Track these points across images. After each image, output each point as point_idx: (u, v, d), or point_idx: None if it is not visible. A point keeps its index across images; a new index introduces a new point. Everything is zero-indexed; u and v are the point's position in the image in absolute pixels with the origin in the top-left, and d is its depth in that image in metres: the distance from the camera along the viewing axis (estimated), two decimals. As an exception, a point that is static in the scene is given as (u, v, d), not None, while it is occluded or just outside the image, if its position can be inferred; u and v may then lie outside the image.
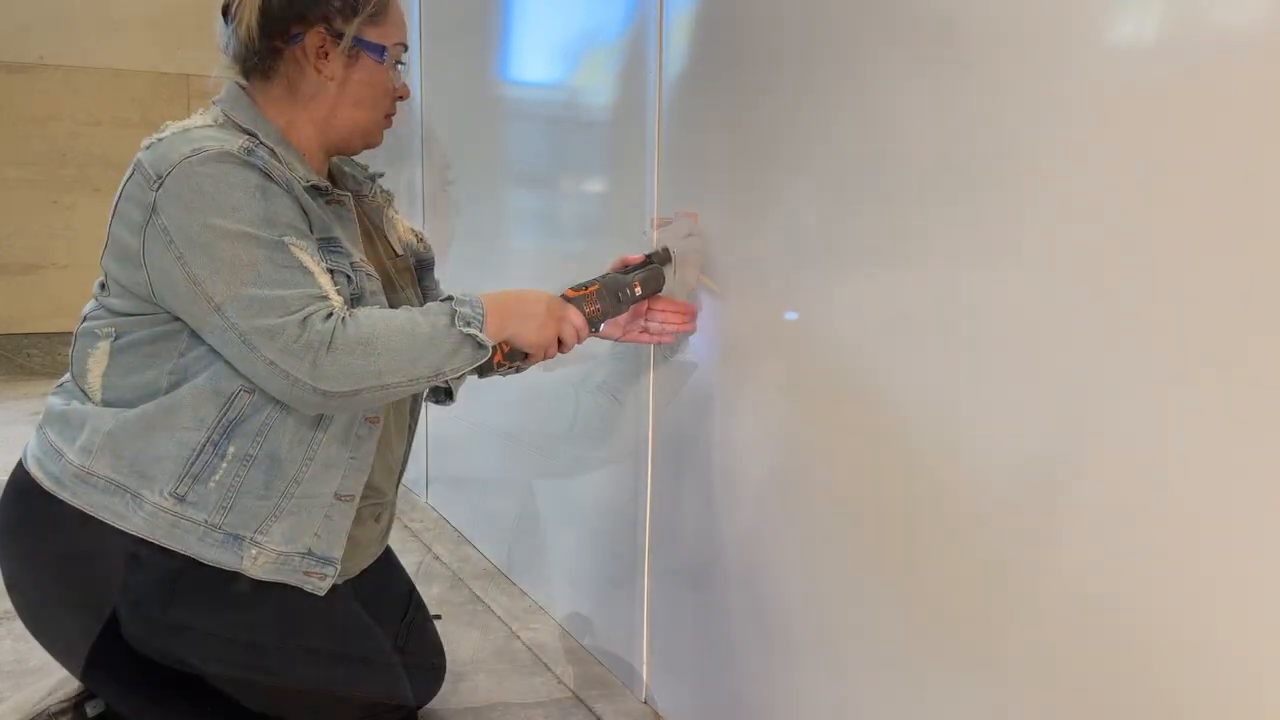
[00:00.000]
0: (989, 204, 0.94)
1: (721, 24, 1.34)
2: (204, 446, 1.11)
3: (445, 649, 1.57)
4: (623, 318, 1.40)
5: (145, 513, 1.10)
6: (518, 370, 1.38)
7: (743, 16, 1.29)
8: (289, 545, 1.16)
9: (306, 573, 1.18)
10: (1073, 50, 0.86)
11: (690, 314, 1.41)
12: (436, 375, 1.11)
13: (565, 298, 1.28)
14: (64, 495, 1.11)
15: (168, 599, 1.13)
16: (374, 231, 1.36)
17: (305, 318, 1.04)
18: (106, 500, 1.10)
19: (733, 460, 1.37)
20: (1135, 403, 0.82)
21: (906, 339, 1.05)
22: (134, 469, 1.11)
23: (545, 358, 1.26)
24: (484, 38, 2.17)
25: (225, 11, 1.21)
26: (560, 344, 1.26)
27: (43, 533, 1.15)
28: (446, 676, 1.57)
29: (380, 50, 1.23)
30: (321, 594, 1.20)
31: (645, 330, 1.41)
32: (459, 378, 1.18)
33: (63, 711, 1.26)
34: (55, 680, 1.29)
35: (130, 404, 1.13)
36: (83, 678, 1.22)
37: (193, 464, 1.11)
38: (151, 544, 1.11)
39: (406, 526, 2.51)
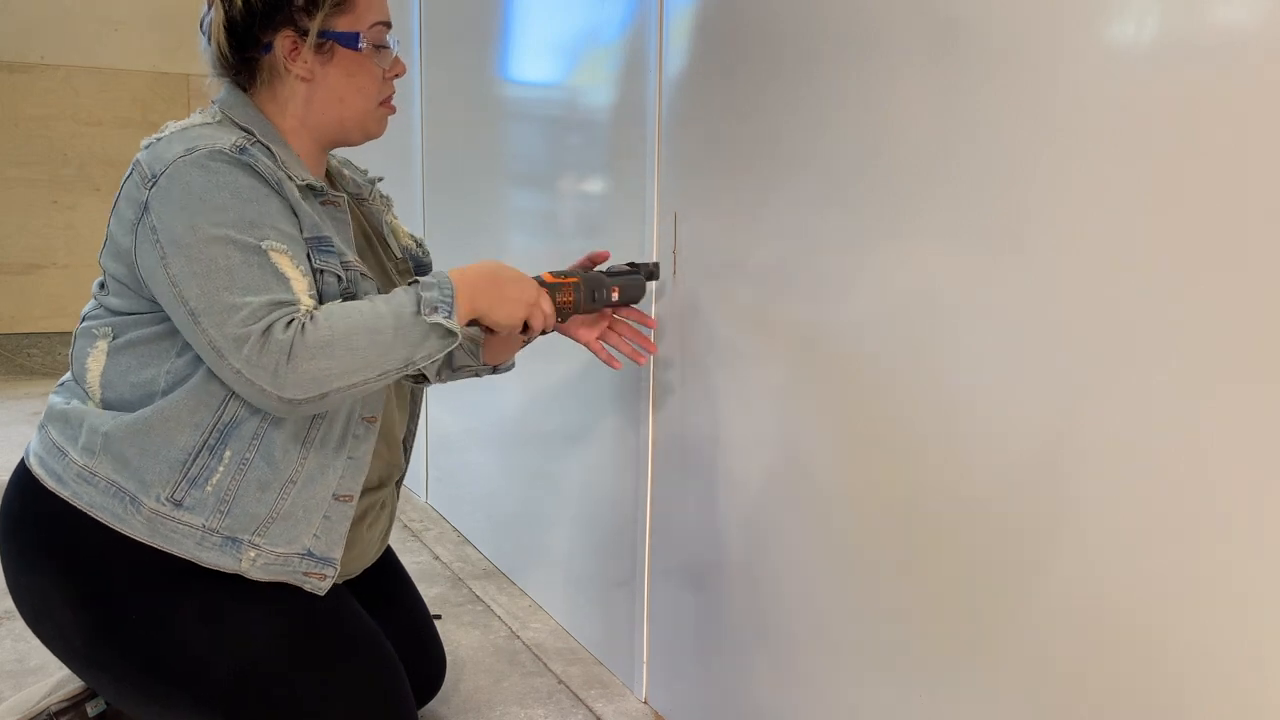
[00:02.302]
0: (988, 203, 0.95)
1: (721, 24, 1.34)
2: (200, 450, 1.12)
3: (445, 649, 1.57)
4: (581, 318, 1.38)
5: (143, 516, 1.11)
6: (489, 370, 1.40)
7: (743, 16, 1.29)
8: (287, 546, 1.16)
9: (306, 573, 1.18)
10: (1071, 49, 0.86)
11: (645, 345, 1.42)
12: (406, 366, 1.10)
13: (542, 280, 1.27)
14: (65, 494, 1.12)
15: (166, 597, 1.13)
16: (373, 235, 1.36)
17: (267, 327, 1.04)
18: (106, 501, 1.11)
19: (733, 460, 1.37)
20: (1136, 401, 0.82)
21: (907, 338, 1.05)
22: (132, 473, 1.11)
23: (507, 337, 1.26)
24: (484, 38, 2.17)
25: (201, 27, 1.22)
26: (526, 328, 1.24)
27: (43, 530, 1.15)
28: (446, 676, 1.57)
29: (354, 38, 1.21)
30: (322, 594, 1.20)
31: (601, 341, 1.40)
32: (431, 364, 1.15)
33: (63, 711, 1.26)
34: (55, 680, 1.29)
35: (130, 404, 1.13)
36: (83, 676, 1.22)
37: (189, 468, 1.11)
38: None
39: (406, 526, 2.51)
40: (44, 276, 4.43)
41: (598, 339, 1.40)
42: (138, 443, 1.11)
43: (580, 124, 1.79)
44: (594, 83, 1.74)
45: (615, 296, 1.36)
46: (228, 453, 1.12)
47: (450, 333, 1.11)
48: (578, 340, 1.40)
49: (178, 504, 1.11)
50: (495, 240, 2.13)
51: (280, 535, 1.15)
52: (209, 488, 1.12)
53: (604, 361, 1.41)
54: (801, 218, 1.20)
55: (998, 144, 0.93)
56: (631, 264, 1.41)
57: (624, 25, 1.60)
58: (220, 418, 1.12)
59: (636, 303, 1.41)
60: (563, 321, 1.32)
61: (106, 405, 1.15)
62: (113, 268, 1.16)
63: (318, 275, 1.13)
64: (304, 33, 1.18)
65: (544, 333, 1.28)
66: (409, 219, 2.27)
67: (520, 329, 1.23)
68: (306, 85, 1.21)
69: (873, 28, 1.08)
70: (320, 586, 1.19)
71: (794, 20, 1.19)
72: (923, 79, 1.01)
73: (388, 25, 1.25)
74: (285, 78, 1.20)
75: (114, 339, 1.15)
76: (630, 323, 1.43)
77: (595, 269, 1.37)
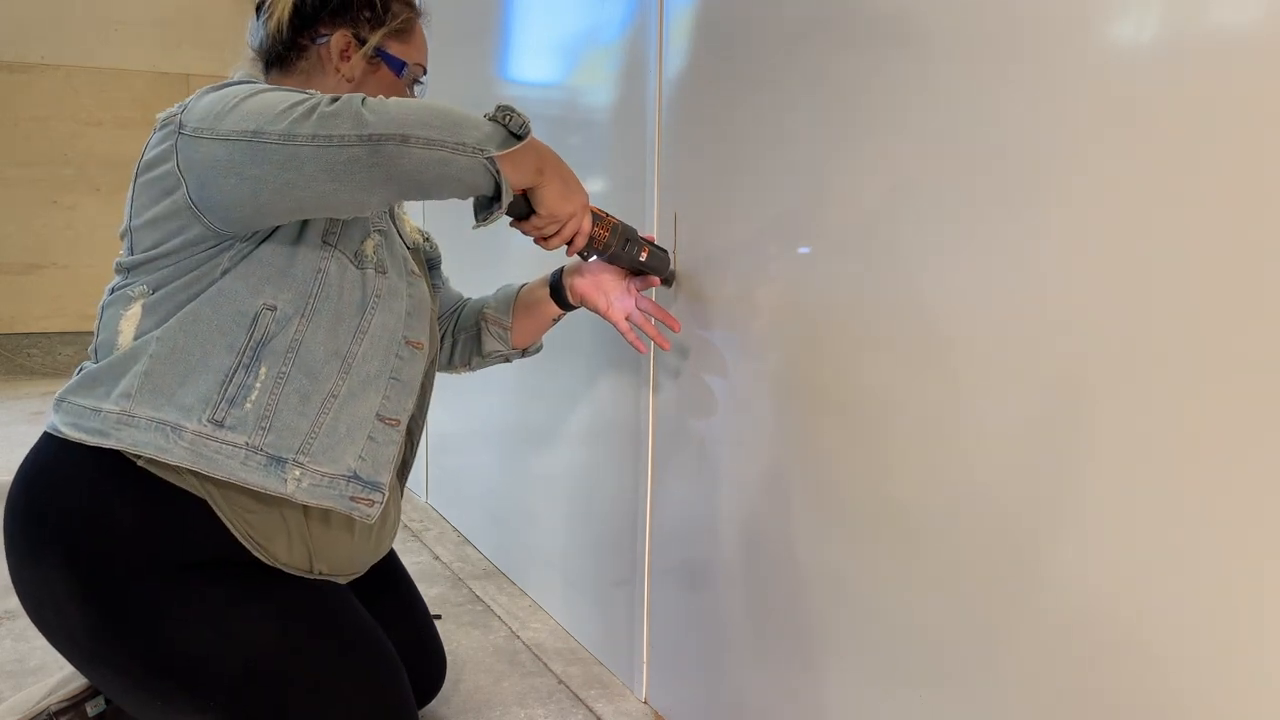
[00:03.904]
0: (990, 201, 0.95)
1: (721, 24, 1.34)
2: (235, 370, 1.13)
3: (445, 649, 1.57)
4: (613, 291, 1.40)
5: (186, 442, 1.11)
6: (519, 354, 1.38)
7: (742, 17, 1.29)
8: (332, 466, 1.16)
9: (354, 498, 1.18)
10: (1075, 49, 0.86)
11: (669, 323, 1.42)
12: (478, 150, 1.07)
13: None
14: (109, 443, 1.11)
15: (168, 595, 1.13)
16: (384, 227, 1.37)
17: (334, 98, 1.05)
18: (149, 437, 1.11)
19: (733, 459, 1.37)
20: (1137, 400, 0.82)
21: (909, 337, 1.05)
22: (172, 404, 1.12)
23: (537, 235, 1.23)
24: (484, 38, 2.17)
25: (259, 8, 1.28)
26: (559, 232, 1.23)
27: (49, 524, 1.14)
28: (446, 676, 1.57)
29: (400, 65, 1.28)
30: (371, 522, 1.21)
31: (628, 318, 1.41)
32: (489, 216, 1.14)
33: (63, 711, 1.26)
34: (55, 680, 1.29)
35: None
36: (84, 671, 1.22)
37: (227, 388, 1.12)
38: (165, 531, 1.12)
39: (406, 526, 2.51)
40: (44, 276, 4.43)
41: (625, 319, 1.41)
42: (177, 370, 1.12)
43: (580, 124, 1.79)
44: (594, 83, 1.74)
45: (643, 257, 1.35)
46: (263, 369, 1.13)
47: (517, 136, 1.10)
48: (606, 318, 1.42)
49: (219, 424, 1.12)
50: (496, 240, 2.13)
51: (324, 453, 1.16)
52: (248, 405, 1.12)
53: (630, 343, 1.42)
54: (802, 218, 1.20)
55: (999, 142, 0.93)
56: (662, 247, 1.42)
57: (624, 25, 1.61)
58: (252, 336, 1.13)
59: (660, 276, 1.41)
60: (586, 257, 1.32)
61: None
62: (143, 212, 1.15)
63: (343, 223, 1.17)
64: (361, 40, 1.26)
65: (583, 255, 1.28)
66: (412, 218, 2.27)
67: (554, 230, 1.22)
68: (349, 86, 1.26)
69: (874, 27, 1.08)
70: (369, 514, 1.19)
71: (794, 20, 1.20)
72: (925, 76, 1.01)
73: (424, 70, 1.33)
74: (328, 73, 1.26)
75: (151, 294, 1.15)
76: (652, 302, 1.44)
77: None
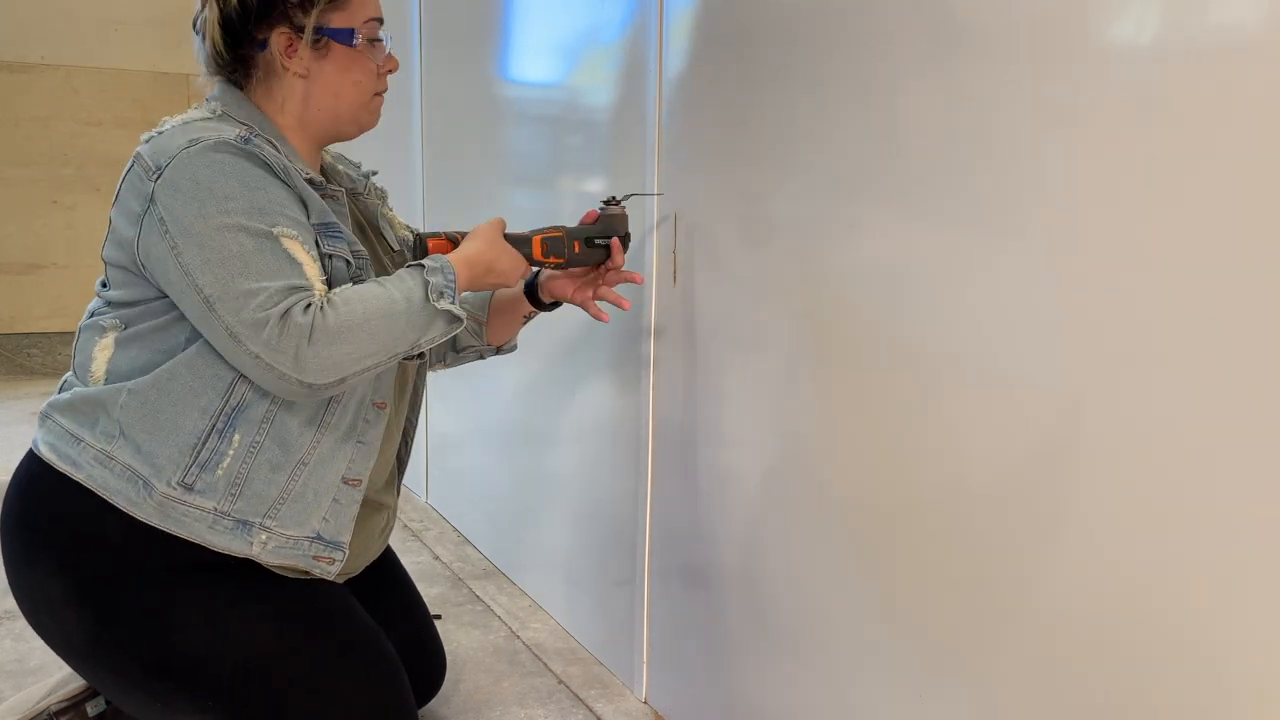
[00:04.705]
0: (990, 203, 0.95)
1: (721, 24, 1.34)
2: (208, 435, 1.12)
3: (445, 649, 1.57)
4: (581, 279, 1.39)
5: (155, 501, 1.11)
6: (493, 351, 1.45)
7: (743, 16, 1.29)
8: (298, 529, 1.17)
9: (316, 557, 1.19)
10: (1073, 50, 0.86)
11: (633, 279, 1.40)
12: (414, 347, 1.14)
13: (531, 257, 1.29)
14: (80, 477, 1.12)
15: (166, 596, 1.13)
16: (369, 227, 1.37)
17: (286, 311, 1.05)
18: (121, 485, 1.12)
19: (733, 459, 1.37)
20: (1136, 399, 0.82)
21: (908, 337, 1.05)
22: (145, 457, 1.12)
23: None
24: (484, 38, 2.17)
25: (195, 25, 1.23)
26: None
27: (45, 527, 1.15)
28: (446, 676, 1.57)
29: (349, 34, 1.21)
30: (331, 578, 1.21)
31: (590, 301, 1.39)
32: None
33: (63, 711, 1.26)
34: (55, 680, 1.29)
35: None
36: (82, 673, 1.22)
37: (199, 452, 1.12)
38: (159, 533, 1.12)
39: (406, 526, 2.51)
40: (44, 276, 4.43)
41: (594, 299, 1.39)
42: (147, 427, 1.12)
43: (580, 124, 1.79)
44: (594, 83, 1.74)
45: (578, 251, 1.33)
46: (236, 437, 1.13)
47: (456, 318, 1.15)
48: (573, 302, 1.40)
49: (189, 488, 1.12)
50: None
51: (290, 518, 1.16)
52: (219, 471, 1.13)
53: (593, 315, 1.39)
54: (801, 216, 1.20)
55: (999, 142, 0.93)
56: (605, 203, 1.37)
57: (624, 25, 1.60)
58: (228, 402, 1.12)
59: (619, 236, 1.36)
60: (564, 268, 1.36)
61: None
62: (116, 257, 1.16)
63: (327, 260, 1.14)
64: (300, 29, 1.19)
65: (554, 266, 1.33)
66: (410, 221, 2.27)
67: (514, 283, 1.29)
68: (304, 82, 1.21)
69: (874, 26, 1.08)
70: (329, 571, 1.20)
71: (794, 20, 1.20)
72: (924, 77, 1.01)
73: (380, 21, 1.26)
74: (282, 75, 1.21)
75: (123, 330, 1.16)
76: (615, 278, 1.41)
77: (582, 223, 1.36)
